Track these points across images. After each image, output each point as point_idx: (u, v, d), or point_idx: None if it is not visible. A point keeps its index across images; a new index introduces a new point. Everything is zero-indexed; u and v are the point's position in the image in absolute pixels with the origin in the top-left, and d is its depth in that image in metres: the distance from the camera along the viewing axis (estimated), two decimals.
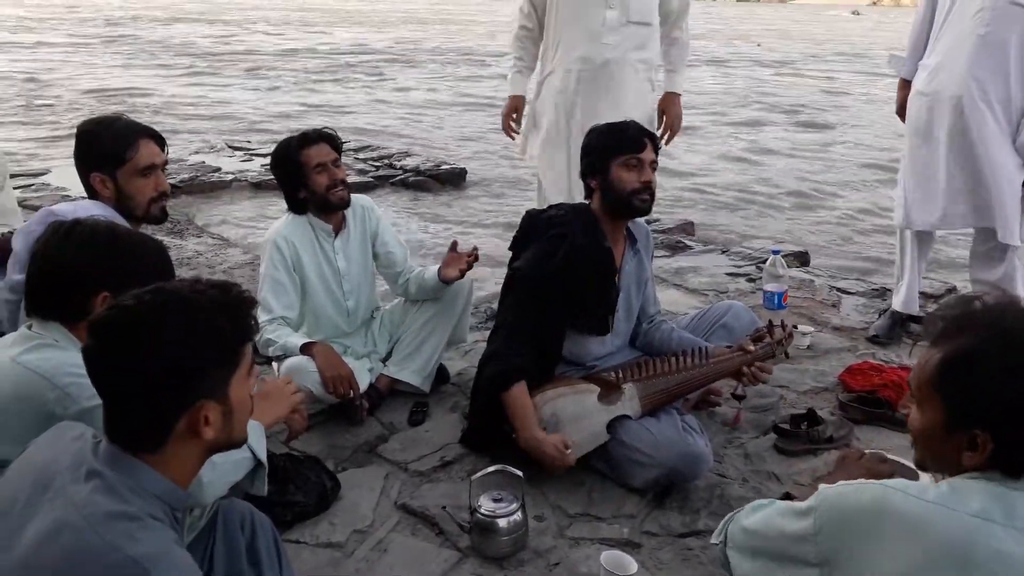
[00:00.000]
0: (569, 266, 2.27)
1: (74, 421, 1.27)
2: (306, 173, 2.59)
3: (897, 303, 3.39)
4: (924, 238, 3.31)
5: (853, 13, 67.95)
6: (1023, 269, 3.13)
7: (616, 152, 2.31)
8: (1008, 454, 1.13)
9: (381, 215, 2.87)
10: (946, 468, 1.21)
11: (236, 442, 1.21)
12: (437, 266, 2.74)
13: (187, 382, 1.11)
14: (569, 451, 2.17)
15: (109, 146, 2.08)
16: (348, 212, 2.73)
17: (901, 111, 3.28)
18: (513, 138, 3.41)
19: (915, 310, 3.38)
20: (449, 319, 2.78)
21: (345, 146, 7.49)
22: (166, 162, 2.19)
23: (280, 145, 2.67)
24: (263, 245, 2.72)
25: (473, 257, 2.67)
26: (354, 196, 2.75)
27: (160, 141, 2.17)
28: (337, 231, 2.71)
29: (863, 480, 1.23)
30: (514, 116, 3.34)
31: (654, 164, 2.35)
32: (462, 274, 2.68)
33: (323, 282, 2.71)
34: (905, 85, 3.26)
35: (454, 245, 2.77)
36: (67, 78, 12.95)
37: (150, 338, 1.09)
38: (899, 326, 3.37)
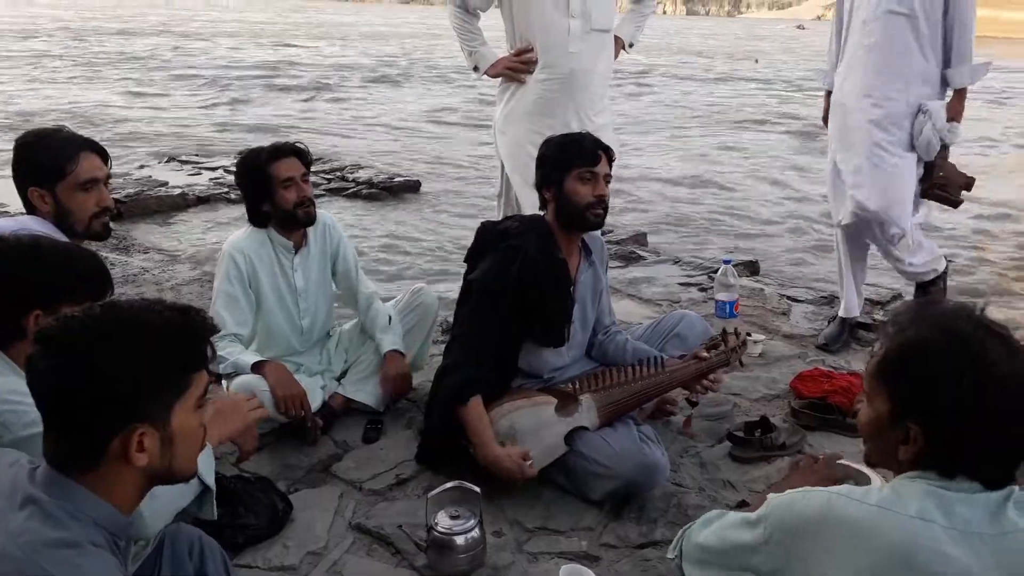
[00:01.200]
0: (524, 277, 2.26)
1: (10, 449, 1.22)
2: (273, 187, 2.52)
3: (841, 309, 3.47)
4: (854, 241, 3.40)
5: (798, 27, 69.65)
6: (927, 244, 3.33)
7: (570, 165, 2.31)
8: (939, 451, 1.14)
9: (343, 233, 2.82)
10: (888, 463, 1.24)
11: (179, 475, 1.16)
12: (387, 348, 2.66)
13: (122, 403, 1.07)
14: (529, 462, 2.16)
15: (48, 159, 2.00)
16: (309, 228, 2.67)
17: (825, 119, 3.43)
18: (528, 71, 3.17)
19: (855, 314, 3.46)
20: (413, 346, 2.76)
21: None
22: (109, 176, 2.12)
23: (249, 155, 2.60)
24: (219, 257, 2.65)
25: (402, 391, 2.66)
26: (318, 213, 2.68)
27: (103, 154, 2.09)
28: (297, 248, 2.66)
29: (809, 488, 1.24)
30: (514, 60, 3.19)
31: (608, 177, 2.36)
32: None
33: (279, 299, 2.65)
34: (828, 95, 3.41)
35: (386, 374, 2.65)
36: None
37: (88, 353, 1.05)
38: (847, 333, 3.44)
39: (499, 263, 2.29)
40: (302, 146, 2.62)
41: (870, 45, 3.09)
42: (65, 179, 2.00)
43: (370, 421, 2.65)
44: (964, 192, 3.21)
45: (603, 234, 2.92)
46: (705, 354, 2.41)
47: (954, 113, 3.09)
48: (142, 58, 19.61)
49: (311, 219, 2.61)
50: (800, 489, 1.24)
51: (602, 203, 2.32)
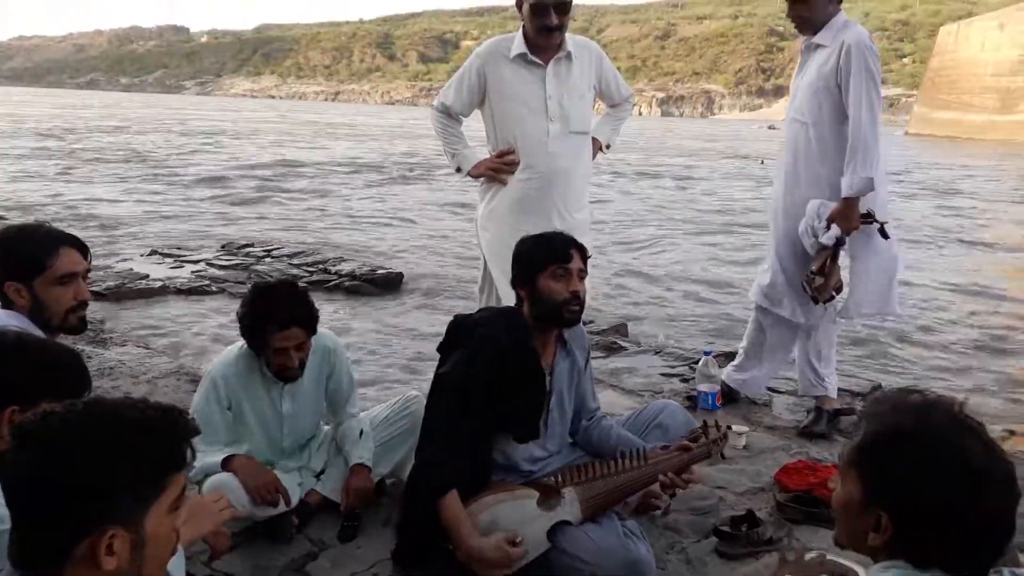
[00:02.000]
0: (494, 369, 2.24)
1: None
2: (268, 350, 2.44)
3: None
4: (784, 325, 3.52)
5: (770, 128, 72.33)
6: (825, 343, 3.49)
7: (543, 263, 2.31)
8: (908, 542, 1.15)
9: (343, 360, 2.70)
10: (858, 546, 1.24)
11: None
12: (354, 461, 2.59)
13: (96, 502, 1.03)
14: (519, 539, 2.08)
15: (27, 254, 2.00)
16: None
17: None
18: (510, 172, 3.26)
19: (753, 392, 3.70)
20: (397, 454, 2.71)
21: (279, 251, 7.43)
22: (88, 270, 2.12)
23: (254, 306, 2.43)
24: (203, 375, 2.59)
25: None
26: (319, 333, 2.55)
27: (83, 249, 2.10)
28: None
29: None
30: (496, 161, 3.28)
31: (582, 272, 2.36)
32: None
33: (262, 424, 2.58)
34: None
35: (347, 485, 2.58)
36: None
37: (64, 449, 1.03)
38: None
39: (468, 356, 2.28)
40: (309, 311, 2.44)
41: (782, 147, 3.37)
42: (43, 273, 2.00)
43: (347, 518, 2.57)
44: (831, 296, 3.26)
45: (584, 324, 2.94)
46: (689, 446, 2.39)
47: (835, 215, 3.14)
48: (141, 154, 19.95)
49: (292, 380, 2.49)
50: None
51: (577, 299, 2.31)
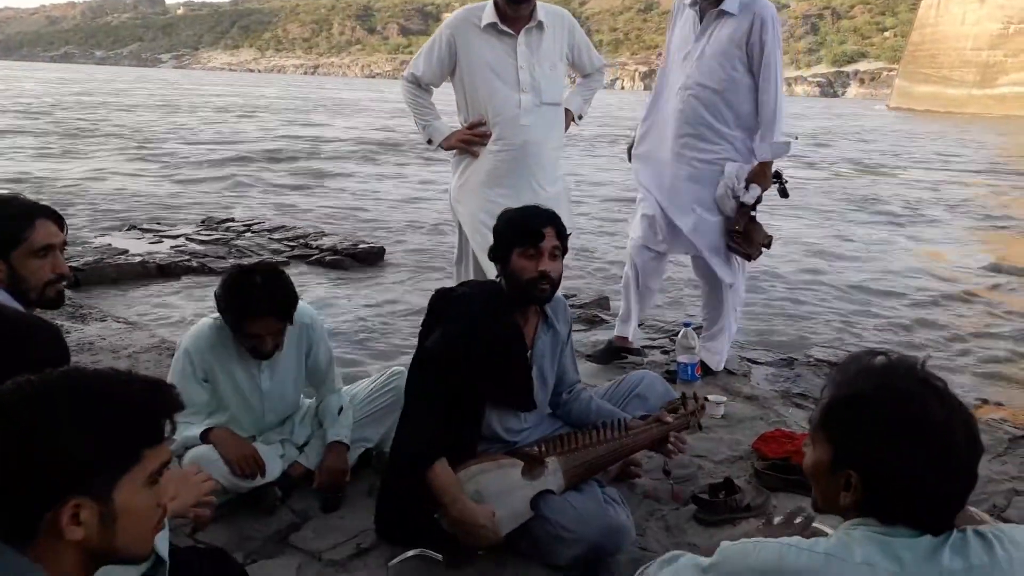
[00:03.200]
0: (477, 344, 2.25)
1: None
2: (241, 332, 2.43)
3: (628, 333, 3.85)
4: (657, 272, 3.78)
5: None
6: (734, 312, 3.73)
7: (514, 242, 2.30)
8: (877, 499, 1.19)
9: (321, 335, 2.67)
10: (832, 508, 1.28)
11: (126, 554, 1.11)
12: (331, 439, 2.58)
13: (57, 472, 1.02)
14: (496, 518, 2.11)
15: (2, 227, 1.96)
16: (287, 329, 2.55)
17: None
18: (482, 144, 3.26)
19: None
20: (380, 427, 2.71)
21: (259, 226, 7.36)
22: (65, 243, 2.09)
23: (231, 292, 2.39)
24: (178, 344, 2.57)
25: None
26: (299, 308, 2.50)
27: (59, 220, 2.06)
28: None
29: (762, 539, 1.27)
30: (467, 133, 3.28)
31: (556, 250, 2.32)
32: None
33: (240, 398, 2.56)
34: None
35: (322, 464, 2.58)
36: None
37: (27, 418, 1.02)
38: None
39: (452, 331, 2.28)
40: (284, 299, 2.41)
41: (679, 112, 3.41)
42: (20, 246, 1.96)
43: (330, 488, 2.59)
44: (764, 249, 3.55)
45: (566, 297, 2.96)
46: (667, 417, 2.42)
47: (754, 176, 3.41)
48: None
49: (264, 358, 2.48)
50: (752, 540, 1.26)
51: (546, 278, 2.28)
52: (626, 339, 3.85)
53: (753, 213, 3.49)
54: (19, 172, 12.25)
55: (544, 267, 2.28)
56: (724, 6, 3.31)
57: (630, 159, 3.76)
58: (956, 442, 1.16)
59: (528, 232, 2.29)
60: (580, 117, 3.55)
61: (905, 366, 1.22)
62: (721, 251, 3.55)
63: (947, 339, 5.96)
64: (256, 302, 2.36)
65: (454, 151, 3.35)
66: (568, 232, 2.40)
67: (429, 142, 3.37)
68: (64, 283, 2.08)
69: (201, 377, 2.50)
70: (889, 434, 1.16)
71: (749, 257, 3.56)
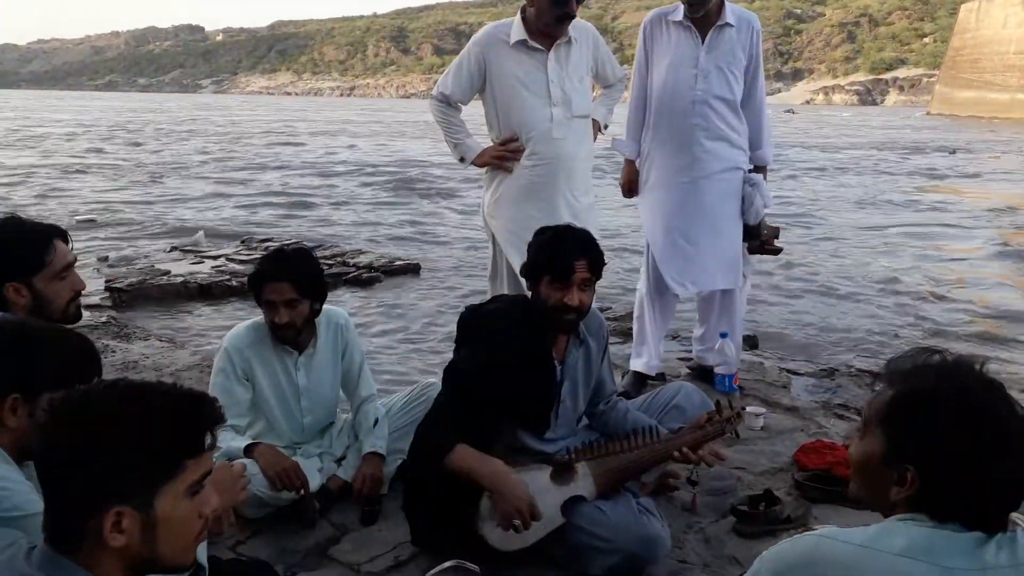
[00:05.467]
0: (504, 363, 2.24)
1: (9, 529, 1.21)
2: (261, 303, 2.53)
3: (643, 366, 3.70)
4: (667, 301, 3.66)
5: (787, 112, 71.60)
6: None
7: (545, 271, 2.29)
8: (933, 496, 1.17)
9: (354, 337, 2.77)
10: (877, 501, 1.26)
11: (169, 563, 1.13)
12: (367, 450, 2.63)
13: (99, 481, 1.05)
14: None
15: (24, 252, 1.96)
16: (319, 325, 2.65)
17: (627, 186, 3.71)
18: (515, 160, 3.27)
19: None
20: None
21: (297, 246, 7.48)
22: (76, 259, 2.11)
23: (257, 264, 2.59)
24: (219, 347, 2.66)
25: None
26: (329, 310, 2.66)
27: (67, 238, 2.08)
28: (301, 348, 2.64)
29: (796, 536, 1.26)
30: (500, 149, 3.27)
31: (587, 283, 2.29)
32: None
33: (279, 397, 2.63)
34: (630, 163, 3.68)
35: (358, 472, 2.63)
36: None
37: (73, 426, 1.06)
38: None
39: (480, 349, 2.28)
40: (304, 268, 2.53)
41: (695, 125, 3.37)
42: (43, 270, 1.97)
43: (368, 502, 2.61)
44: (776, 241, 3.65)
45: (602, 311, 2.96)
46: (702, 424, 2.40)
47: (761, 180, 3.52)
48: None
49: (285, 341, 2.55)
50: (789, 539, 1.25)
51: (569, 309, 2.26)
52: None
53: None
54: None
55: (570, 300, 2.26)
56: (725, 18, 3.35)
57: (626, 194, 3.73)
58: (1017, 442, 1.15)
59: (560, 267, 2.26)
60: (606, 127, 3.58)
61: (967, 365, 1.22)
62: (736, 264, 3.53)
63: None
64: (273, 264, 2.50)
65: (486, 167, 3.38)
66: (601, 262, 2.35)
67: (461, 160, 3.39)
68: (80, 299, 2.10)
69: (241, 375, 2.57)
70: (954, 431, 1.15)
71: (777, 252, 3.69)
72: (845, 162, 22.08)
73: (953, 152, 25.95)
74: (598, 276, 2.34)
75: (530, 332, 2.32)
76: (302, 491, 2.46)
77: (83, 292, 2.10)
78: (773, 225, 3.64)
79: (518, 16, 3.25)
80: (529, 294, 2.42)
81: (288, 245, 2.62)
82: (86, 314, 5.25)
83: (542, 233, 2.40)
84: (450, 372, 2.34)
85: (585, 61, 3.34)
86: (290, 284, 2.48)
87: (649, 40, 3.52)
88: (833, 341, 5.80)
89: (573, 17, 3.17)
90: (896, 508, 1.22)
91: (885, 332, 6.08)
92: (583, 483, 2.21)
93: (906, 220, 12.01)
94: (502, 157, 3.28)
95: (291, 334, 2.55)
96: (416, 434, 2.31)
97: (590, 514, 2.16)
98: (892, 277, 7.88)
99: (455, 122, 3.39)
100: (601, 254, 2.35)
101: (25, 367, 1.43)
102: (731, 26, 3.35)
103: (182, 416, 1.12)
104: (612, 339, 4.42)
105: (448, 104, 3.37)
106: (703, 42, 3.36)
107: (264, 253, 2.63)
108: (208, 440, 1.15)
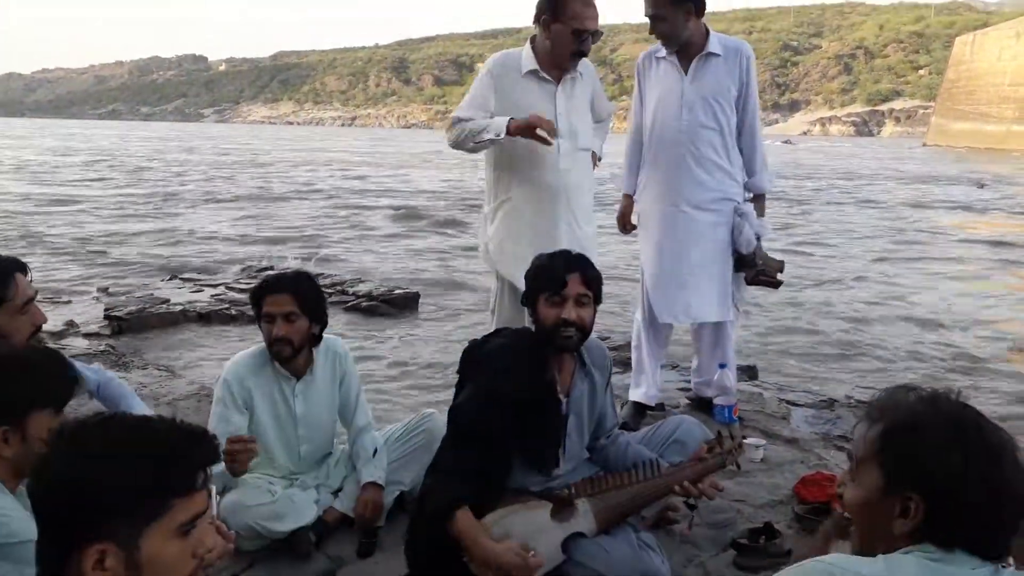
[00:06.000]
0: (509, 401, 2.23)
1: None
2: (260, 316, 2.56)
3: (643, 396, 3.67)
4: (659, 330, 3.66)
5: (785, 143, 72.09)
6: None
7: (540, 289, 2.30)
8: (940, 523, 1.18)
9: (351, 365, 2.79)
10: (881, 542, 1.24)
11: None
12: (365, 480, 2.62)
13: (83, 516, 1.03)
14: (532, 552, 2.06)
15: None
16: (316, 352, 2.66)
17: (622, 220, 3.76)
18: (555, 134, 3.10)
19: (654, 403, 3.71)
20: (414, 469, 2.70)
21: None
22: (36, 292, 2.09)
23: (259, 281, 2.65)
24: (219, 376, 2.66)
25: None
26: (327, 339, 2.69)
27: (26, 271, 2.06)
28: (299, 374, 2.64)
29: (803, 562, 1.25)
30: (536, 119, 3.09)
31: (584, 297, 2.29)
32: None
33: (277, 425, 2.63)
34: (627, 197, 3.71)
35: (361, 503, 2.62)
36: None
37: (60, 463, 1.05)
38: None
39: (483, 388, 2.27)
40: (304, 282, 2.59)
41: (684, 155, 3.41)
42: (4, 305, 1.94)
43: (365, 534, 2.59)
44: (779, 274, 3.60)
45: (603, 340, 2.95)
46: (704, 456, 2.38)
47: (759, 211, 3.55)
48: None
49: (281, 358, 2.58)
50: (795, 566, 1.24)
51: (568, 325, 2.26)
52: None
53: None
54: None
55: (566, 315, 2.25)
56: (709, 48, 3.39)
57: (622, 229, 3.75)
58: (1010, 461, 1.18)
59: (552, 279, 2.28)
60: (600, 159, 3.64)
61: (944, 395, 1.25)
62: (726, 297, 3.52)
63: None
64: (275, 278, 2.59)
65: (488, 213, 3.38)
66: (596, 278, 2.35)
67: (496, 137, 3.15)
68: (39, 332, 2.07)
69: (241, 404, 2.57)
70: (950, 448, 1.17)
71: (777, 285, 3.63)
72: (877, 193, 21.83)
73: (982, 186, 25.86)
74: (597, 297, 2.34)
75: (534, 366, 2.31)
76: (300, 521, 2.42)
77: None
78: (777, 259, 3.63)
79: (528, 46, 3.29)
80: (533, 327, 2.41)
81: (288, 269, 2.67)
82: (84, 343, 5.25)
83: (537, 259, 2.42)
84: (454, 413, 2.32)
85: (587, 95, 3.41)
86: (290, 296, 2.52)
87: (642, 76, 3.58)
88: (825, 370, 5.79)
89: (586, 55, 3.23)
90: (899, 542, 1.21)
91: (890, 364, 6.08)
92: (583, 520, 2.20)
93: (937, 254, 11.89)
94: (537, 126, 3.06)
95: (287, 351, 2.55)
96: (424, 483, 2.30)
97: (590, 551, 2.14)
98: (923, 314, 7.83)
99: (475, 120, 3.23)
100: (597, 273, 2.36)
101: (2, 397, 1.42)
102: (717, 55, 3.39)
103: (173, 455, 1.09)
104: (613, 369, 4.41)
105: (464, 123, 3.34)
106: (686, 73, 3.41)
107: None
108: (201, 479, 1.12)
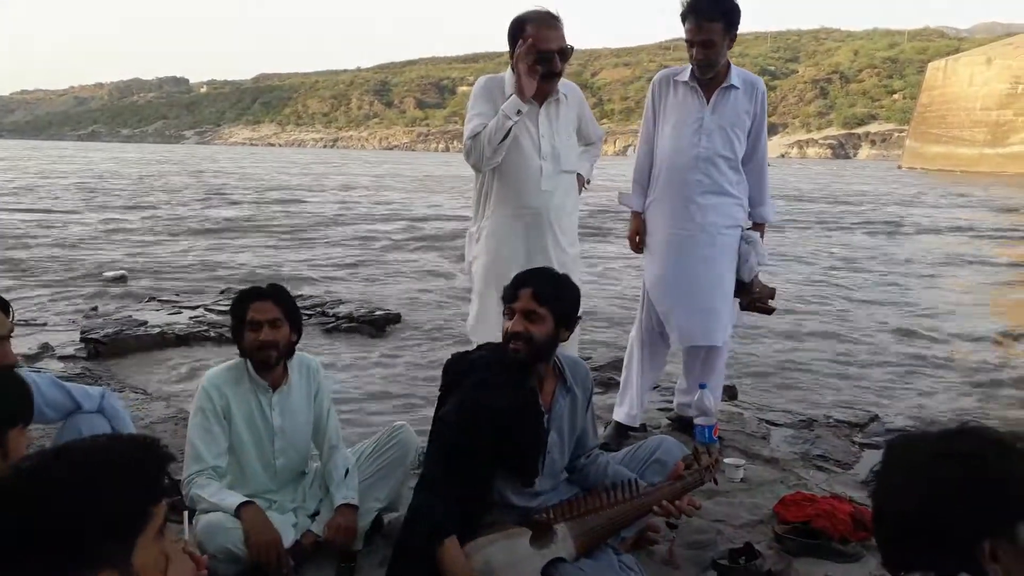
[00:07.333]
0: (491, 417, 2.24)
1: None
2: (242, 327, 2.58)
3: (624, 416, 3.70)
4: (657, 351, 3.70)
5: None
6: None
7: (503, 302, 2.37)
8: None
9: (325, 381, 2.81)
10: None
11: None
12: (339, 502, 2.59)
13: (79, 555, 1.02)
14: None
15: None
16: (290, 367, 2.69)
17: (633, 239, 3.75)
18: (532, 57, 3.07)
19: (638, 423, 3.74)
20: (388, 485, 2.71)
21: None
22: (12, 330, 2.07)
23: (239, 292, 2.70)
24: (198, 387, 2.67)
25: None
26: (300, 355, 2.72)
27: (6, 309, 2.06)
28: (276, 386, 2.65)
29: None
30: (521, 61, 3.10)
31: (532, 314, 2.29)
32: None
33: (254, 437, 2.63)
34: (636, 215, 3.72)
35: (330, 524, 2.58)
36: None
37: (35, 508, 1.01)
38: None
39: (467, 401, 2.27)
40: (285, 291, 2.66)
41: (697, 182, 3.45)
42: None
43: (343, 558, 2.56)
44: (771, 301, 3.68)
45: (584, 359, 2.96)
46: (682, 473, 2.39)
47: (760, 238, 3.63)
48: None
49: (264, 365, 2.60)
50: None
51: (519, 337, 2.27)
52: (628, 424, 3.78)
53: None
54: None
55: (515, 327, 2.28)
56: (731, 80, 3.45)
57: (634, 247, 3.75)
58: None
59: (506, 293, 2.34)
60: (588, 182, 3.64)
61: (970, 425, 1.25)
62: (725, 322, 3.57)
63: None
64: (258, 288, 2.66)
65: (474, 232, 3.40)
66: (548, 294, 2.34)
67: (516, 116, 3.15)
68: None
69: (220, 413, 2.57)
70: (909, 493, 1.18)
71: (770, 311, 3.69)
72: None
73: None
74: (562, 316, 2.33)
75: (516, 378, 2.32)
76: (279, 564, 2.41)
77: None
78: (769, 286, 3.69)
79: (509, 70, 3.30)
80: None
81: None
82: (59, 365, 5.18)
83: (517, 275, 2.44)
84: (438, 425, 2.32)
85: (572, 119, 3.42)
86: (275, 303, 2.58)
87: (657, 98, 3.60)
88: (805, 389, 5.82)
89: (558, 75, 3.22)
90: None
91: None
92: (563, 545, 2.19)
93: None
94: (527, 66, 3.08)
95: (274, 355, 2.58)
96: (411, 505, 2.30)
97: (570, 575, 2.13)
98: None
99: (487, 125, 3.20)
100: (559, 291, 2.35)
101: None
102: (736, 88, 3.46)
103: (138, 469, 1.10)
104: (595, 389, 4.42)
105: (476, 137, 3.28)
106: (708, 102, 3.46)
107: None
108: (166, 480, 1.14)
